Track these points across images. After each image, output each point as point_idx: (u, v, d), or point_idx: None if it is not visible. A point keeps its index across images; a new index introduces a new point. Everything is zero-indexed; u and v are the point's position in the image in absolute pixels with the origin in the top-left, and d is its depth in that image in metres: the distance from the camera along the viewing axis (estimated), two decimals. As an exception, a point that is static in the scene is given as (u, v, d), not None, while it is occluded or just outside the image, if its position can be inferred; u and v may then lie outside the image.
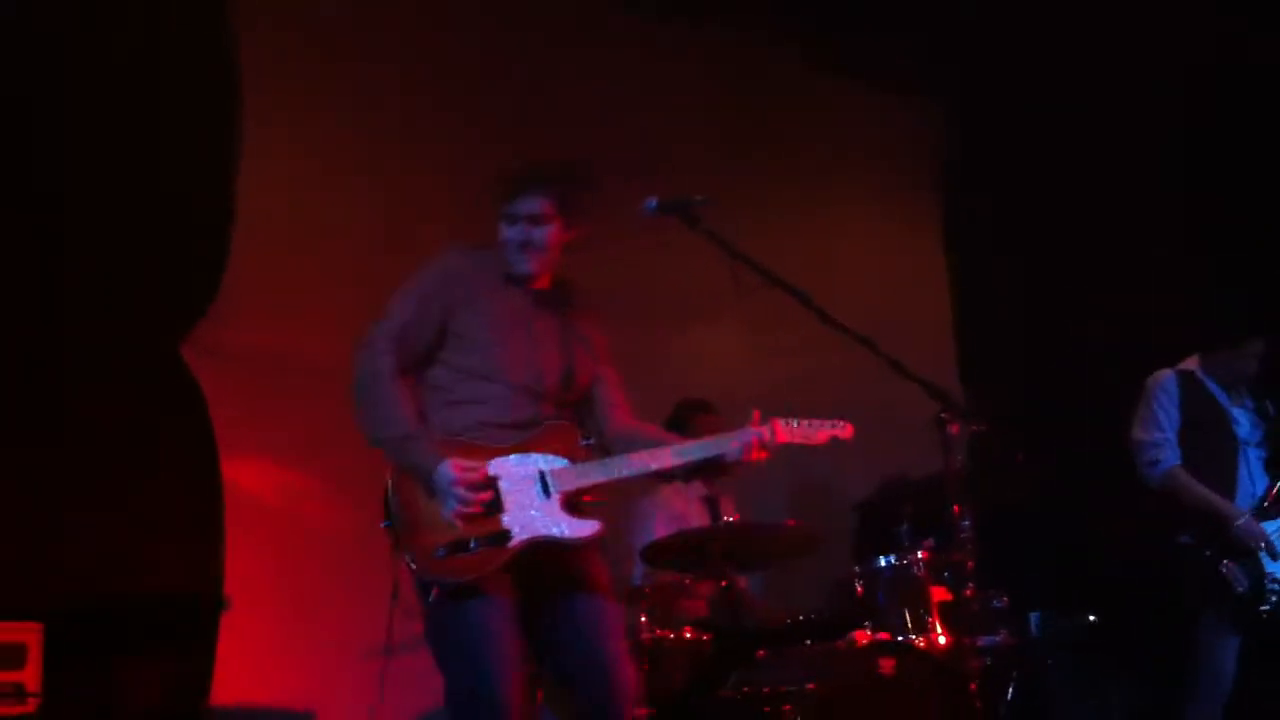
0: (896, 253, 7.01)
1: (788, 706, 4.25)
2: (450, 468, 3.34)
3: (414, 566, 3.35)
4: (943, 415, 3.52)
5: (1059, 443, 6.00)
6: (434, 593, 3.34)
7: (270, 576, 5.00)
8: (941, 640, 4.59)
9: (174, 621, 4.84)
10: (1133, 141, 6.57)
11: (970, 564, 3.77)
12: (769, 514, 5.68)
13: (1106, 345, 6.40)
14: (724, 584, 4.67)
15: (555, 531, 3.43)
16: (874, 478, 5.97)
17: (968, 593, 4.34)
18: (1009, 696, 4.92)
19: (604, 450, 3.68)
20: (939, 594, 4.74)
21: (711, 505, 5.56)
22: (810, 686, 4.23)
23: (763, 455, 3.60)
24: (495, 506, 3.39)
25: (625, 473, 3.54)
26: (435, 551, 3.32)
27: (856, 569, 4.80)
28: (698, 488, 5.59)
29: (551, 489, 3.46)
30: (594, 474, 3.51)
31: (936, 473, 4.90)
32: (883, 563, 4.82)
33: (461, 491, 3.33)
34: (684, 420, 5.66)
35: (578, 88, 6.12)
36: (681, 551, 4.73)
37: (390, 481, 3.41)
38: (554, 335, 3.63)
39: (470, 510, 3.34)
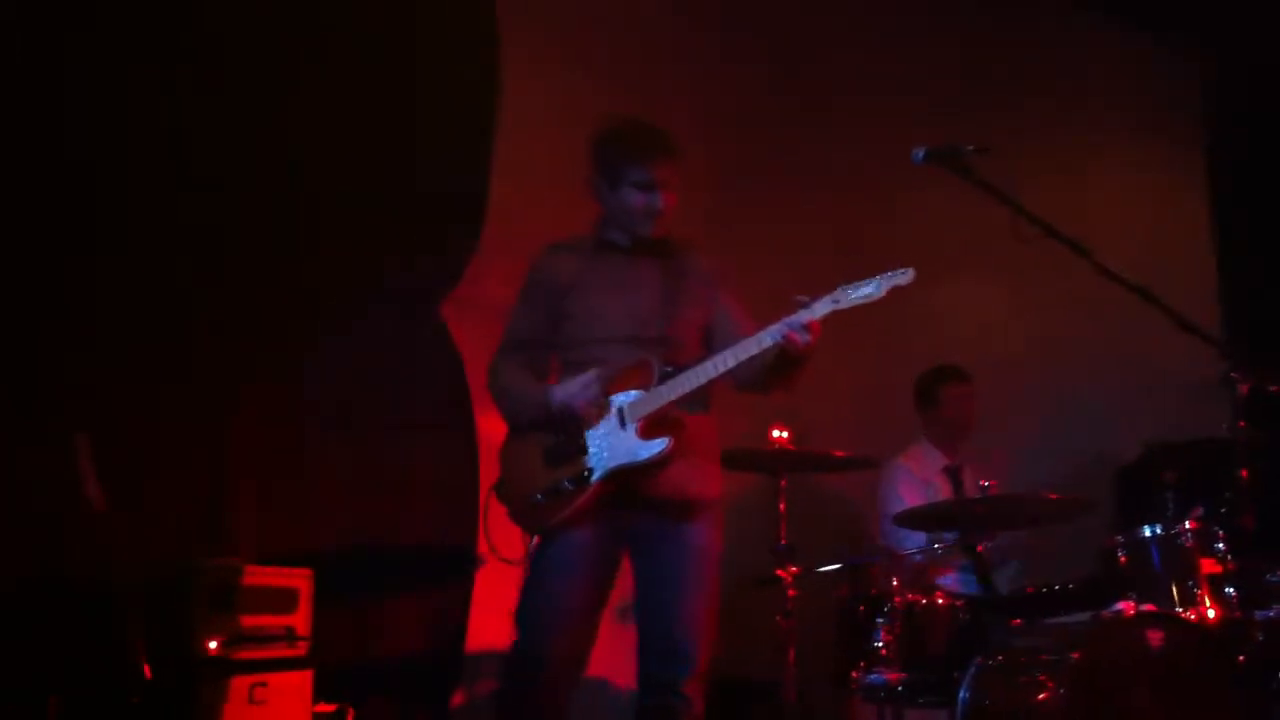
0: (1154, 205, 6.67)
1: (1046, 677, 4.13)
2: (566, 385, 3.61)
3: (518, 521, 3.66)
4: (1233, 374, 3.31)
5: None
6: (535, 541, 3.62)
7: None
8: (1211, 614, 4.36)
9: (431, 571, 4.99)
10: None
11: (1248, 534, 3.57)
12: (1026, 482, 5.50)
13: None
14: (979, 550, 4.56)
15: (628, 458, 3.55)
16: (1136, 442, 5.71)
17: (1241, 565, 4.14)
18: (1280, 674, 4.66)
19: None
20: (1208, 565, 4.49)
21: (953, 476, 5.43)
22: (1074, 656, 4.08)
23: (817, 334, 3.48)
24: (582, 449, 3.60)
25: (690, 385, 3.56)
26: (534, 498, 3.59)
27: (1120, 538, 4.59)
28: (939, 458, 5.48)
29: (628, 420, 3.58)
30: (662, 395, 3.57)
31: (1204, 437, 4.71)
32: (1148, 532, 4.60)
33: (574, 394, 3.57)
34: (929, 393, 5.54)
35: (825, 35, 6.01)
36: (934, 519, 4.65)
37: (501, 451, 3.78)
38: (655, 282, 3.76)
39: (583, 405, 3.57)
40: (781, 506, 4.66)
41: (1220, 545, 4.38)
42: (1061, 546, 5.41)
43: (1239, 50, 6.66)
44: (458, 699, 4.98)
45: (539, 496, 3.58)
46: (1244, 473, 3.41)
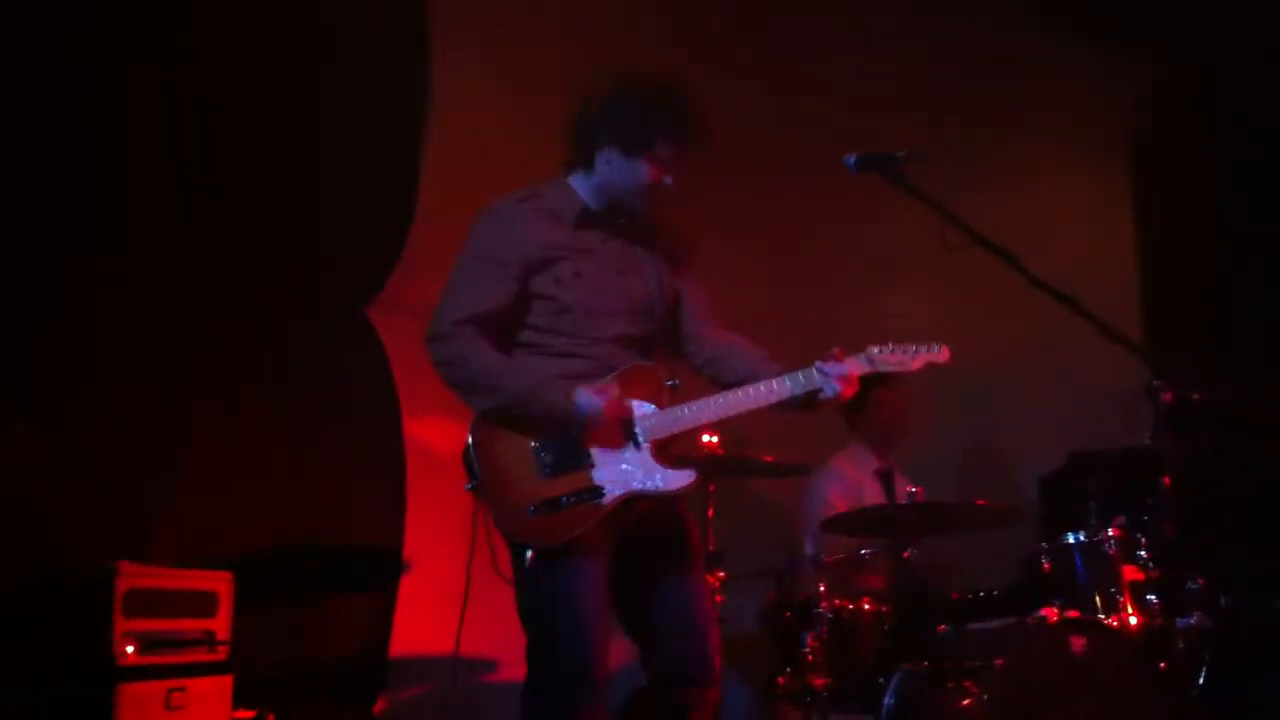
0: (1083, 217, 6.74)
1: (970, 682, 4.16)
2: (595, 395, 3.23)
3: (506, 529, 3.22)
4: (1156, 383, 3.34)
5: (1252, 417, 5.71)
6: (530, 557, 3.20)
7: (450, 529, 5.04)
8: (1133, 620, 4.41)
9: (356, 574, 4.93)
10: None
11: (1169, 542, 3.61)
12: (947, 489, 5.54)
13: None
14: (906, 556, 4.58)
15: (650, 485, 3.28)
16: (1059, 451, 5.76)
17: (1162, 572, 4.19)
18: (1201, 680, 4.72)
19: (698, 369, 3.54)
20: (1131, 573, 4.55)
21: (885, 479, 5.47)
22: (998, 662, 4.11)
23: (854, 390, 3.46)
24: (584, 460, 3.25)
25: (714, 415, 3.36)
26: (526, 510, 3.18)
27: (1044, 545, 4.64)
28: (871, 460, 5.51)
29: (641, 438, 3.30)
30: (684, 419, 3.34)
31: (1127, 446, 4.76)
32: (1072, 539, 4.65)
33: (607, 413, 3.23)
34: (857, 397, 5.55)
35: (777, 40, 6.02)
36: (862, 524, 4.67)
37: (471, 440, 3.26)
38: (634, 260, 3.46)
39: (610, 426, 3.24)
40: (710, 512, 4.65)
41: (1142, 553, 4.44)
42: (991, 553, 5.46)
43: (1169, 62, 6.76)
44: (381, 704, 4.92)
45: (532, 509, 3.18)
46: (1166, 481, 3.43)
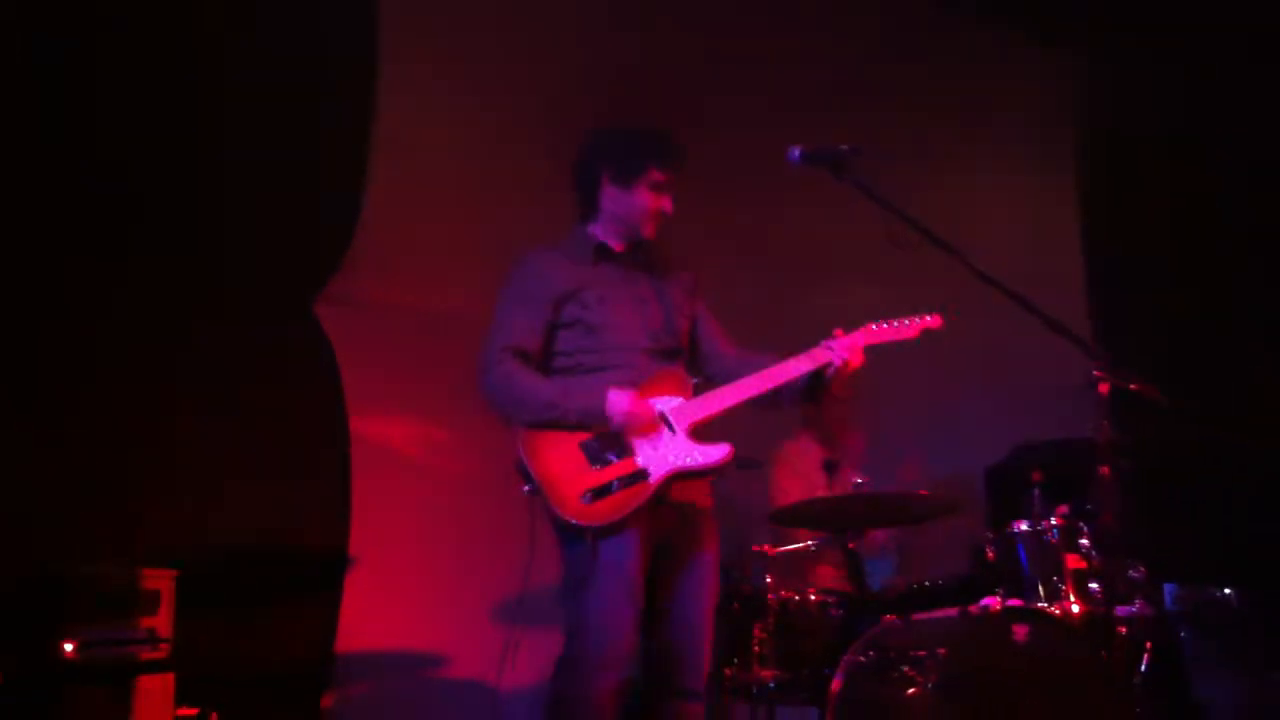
0: (1027, 212, 6.79)
1: (915, 672, 4.18)
2: (622, 398, 3.57)
3: (566, 517, 3.49)
4: (1095, 374, 3.38)
5: (1196, 409, 5.78)
6: (590, 536, 3.51)
7: (399, 528, 5.03)
8: (1076, 609, 4.46)
9: (301, 573, 4.90)
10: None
11: (1111, 531, 3.67)
12: (893, 480, 5.58)
13: (1250, 306, 6.18)
14: (852, 547, 4.60)
15: (689, 461, 3.61)
16: (1005, 442, 5.81)
17: (1105, 561, 4.24)
18: (1143, 668, 4.78)
19: (720, 382, 3.83)
20: (1073, 561, 4.60)
21: (831, 470, 5.48)
22: (941, 652, 4.14)
23: (860, 360, 3.82)
24: (626, 451, 3.59)
25: (739, 397, 3.71)
26: (582, 498, 3.50)
27: (989, 535, 4.68)
28: (817, 452, 5.53)
29: (675, 426, 3.62)
30: (711, 403, 3.68)
31: (1070, 437, 4.81)
32: (1015, 529, 4.69)
33: (635, 413, 3.56)
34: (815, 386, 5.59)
35: (711, 40, 6.02)
36: (810, 516, 4.69)
37: (521, 448, 3.58)
38: (650, 290, 3.84)
39: (642, 424, 3.54)
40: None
41: (1084, 542, 4.49)
42: (936, 544, 5.51)
43: (1111, 59, 6.83)
44: (327, 700, 4.89)
45: (587, 496, 3.52)
46: (1105, 470, 3.46)
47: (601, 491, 3.52)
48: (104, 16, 4.70)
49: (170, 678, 4.08)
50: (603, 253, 3.84)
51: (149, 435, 4.66)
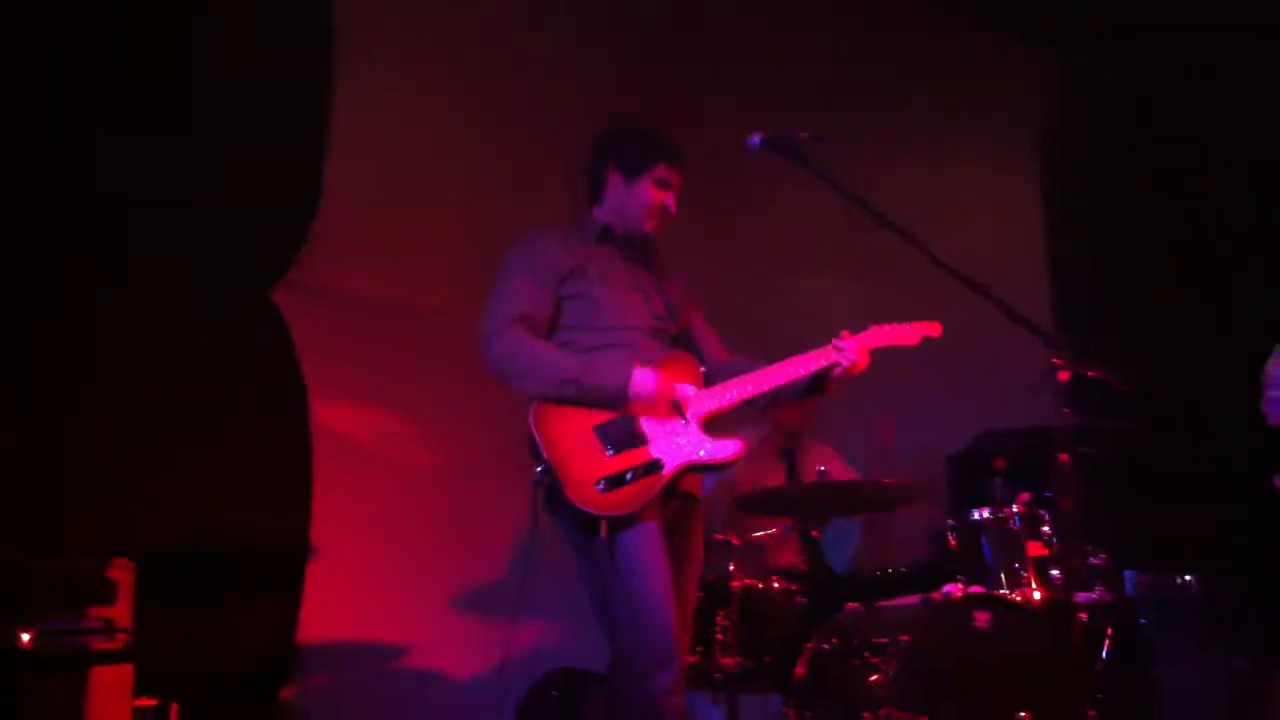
0: (993, 204, 6.83)
1: (878, 659, 4.20)
2: (648, 376, 3.54)
3: (579, 500, 3.43)
4: (1054, 362, 3.40)
5: (1158, 400, 5.82)
6: (603, 527, 3.44)
7: (361, 517, 5.00)
8: (1037, 595, 4.49)
9: (262, 562, 4.86)
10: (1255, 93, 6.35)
11: (1071, 518, 3.69)
12: (859, 467, 5.60)
13: (1206, 301, 6.22)
14: (815, 535, 4.62)
15: (702, 454, 3.58)
16: (968, 430, 5.84)
17: (1066, 548, 4.26)
18: (1104, 654, 4.81)
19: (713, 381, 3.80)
20: (1035, 548, 4.62)
21: (789, 459, 5.49)
22: (903, 639, 4.16)
23: (867, 362, 3.83)
24: (641, 438, 3.54)
25: (753, 390, 3.70)
26: (596, 485, 3.44)
27: (950, 522, 4.70)
28: (775, 439, 5.53)
29: (688, 416, 3.60)
30: (725, 395, 3.67)
31: (1032, 425, 4.83)
32: (977, 516, 4.71)
33: (659, 393, 3.54)
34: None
35: (686, 32, 6.03)
36: (772, 504, 4.69)
37: (533, 431, 3.50)
38: (650, 279, 3.86)
39: (663, 406, 3.55)
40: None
41: (1045, 529, 4.52)
42: (899, 531, 5.53)
43: (1079, 54, 6.87)
44: (288, 692, 4.86)
45: (601, 485, 3.45)
46: (1064, 458, 3.48)
47: (616, 480, 3.45)
48: (104, 17, 4.69)
49: (129, 669, 4.04)
50: (606, 235, 3.86)
51: (107, 428, 4.62)
